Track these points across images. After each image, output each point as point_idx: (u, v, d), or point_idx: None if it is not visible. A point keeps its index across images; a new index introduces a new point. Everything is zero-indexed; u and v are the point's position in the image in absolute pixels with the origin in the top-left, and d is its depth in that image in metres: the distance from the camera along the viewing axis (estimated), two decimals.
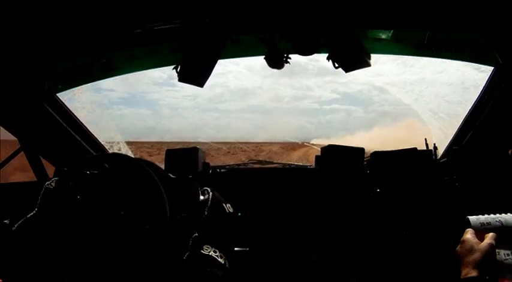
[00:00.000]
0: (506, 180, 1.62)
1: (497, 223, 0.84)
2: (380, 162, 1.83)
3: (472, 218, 0.87)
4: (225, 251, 0.78)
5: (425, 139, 1.91)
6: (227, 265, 0.77)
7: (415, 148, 1.83)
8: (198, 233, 0.76)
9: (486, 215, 0.87)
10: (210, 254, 0.75)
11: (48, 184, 0.73)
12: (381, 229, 1.70)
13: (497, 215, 0.86)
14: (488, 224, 0.84)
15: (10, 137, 1.65)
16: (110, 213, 0.70)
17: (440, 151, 1.93)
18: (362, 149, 1.88)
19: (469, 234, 0.84)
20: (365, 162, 1.91)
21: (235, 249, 1.66)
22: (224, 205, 0.83)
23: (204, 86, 1.64)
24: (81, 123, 1.87)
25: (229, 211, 0.83)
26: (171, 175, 1.06)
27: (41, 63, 1.49)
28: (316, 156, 1.99)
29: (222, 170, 2.00)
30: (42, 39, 1.34)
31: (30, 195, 0.76)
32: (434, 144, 1.87)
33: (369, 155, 1.91)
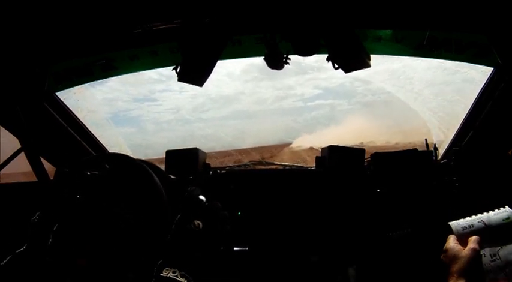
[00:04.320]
0: (506, 180, 1.62)
1: (480, 224, 0.81)
2: (380, 163, 1.83)
3: (453, 223, 0.84)
4: (190, 268, 0.79)
5: (426, 140, 1.91)
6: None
7: (416, 149, 1.83)
8: (162, 256, 0.78)
9: (467, 218, 0.83)
10: (168, 275, 0.76)
11: (34, 219, 0.74)
12: (381, 230, 1.70)
13: (479, 215, 0.83)
14: (471, 226, 0.81)
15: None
16: (109, 214, 0.70)
17: (441, 151, 1.93)
18: (362, 150, 1.89)
19: (451, 241, 0.81)
20: (365, 163, 1.91)
21: (235, 249, 1.67)
22: (188, 225, 0.83)
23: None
24: (81, 123, 1.87)
25: (193, 229, 0.83)
26: (171, 176, 1.07)
27: (41, 63, 1.50)
28: (317, 157, 1.99)
29: (223, 171, 2.00)
30: (42, 39, 1.34)
31: (30, 196, 0.76)
32: (435, 144, 1.87)
33: (369, 156, 1.91)
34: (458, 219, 0.86)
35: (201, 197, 0.91)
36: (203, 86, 1.59)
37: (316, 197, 1.80)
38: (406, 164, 1.79)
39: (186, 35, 1.43)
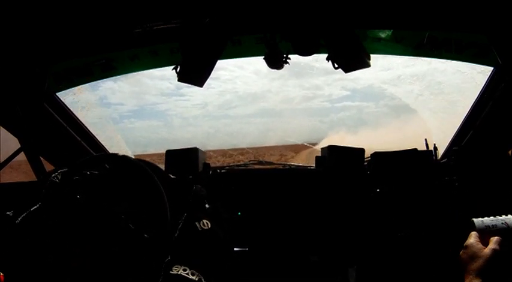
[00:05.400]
0: (506, 180, 1.62)
1: (503, 225, 0.81)
2: (380, 163, 1.82)
3: (477, 221, 0.84)
4: (200, 266, 0.79)
5: (426, 139, 1.90)
6: (203, 280, 0.77)
7: (415, 149, 1.83)
8: (170, 255, 0.78)
9: (492, 217, 0.84)
10: (179, 273, 0.75)
11: (53, 177, 0.73)
12: (381, 229, 1.70)
13: (503, 216, 0.83)
14: (494, 226, 0.82)
15: None
16: (110, 214, 0.70)
17: (441, 151, 1.93)
18: (362, 150, 1.88)
19: (472, 239, 0.80)
20: (365, 163, 1.91)
21: (235, 249, 1.67)
22: (197, 223, 0.83)
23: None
24: (81, 123, 1.87)
25: (202, 228, 0.83)
26: (171, 176, 1.06)
27: (41, 63, 1.50)
28: (316, 157, 1.99)
29: (222, 171, 2.00)
30: (42, 39, 1.34)
31: (30, 195, 0.76)
32: (435, 144, 1.87)
33: (369, 155, 1.91)
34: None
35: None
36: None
37: (316, 196, 1.80)
38: (406, 164, 1.79)
39: (186, 35, 1.43)
